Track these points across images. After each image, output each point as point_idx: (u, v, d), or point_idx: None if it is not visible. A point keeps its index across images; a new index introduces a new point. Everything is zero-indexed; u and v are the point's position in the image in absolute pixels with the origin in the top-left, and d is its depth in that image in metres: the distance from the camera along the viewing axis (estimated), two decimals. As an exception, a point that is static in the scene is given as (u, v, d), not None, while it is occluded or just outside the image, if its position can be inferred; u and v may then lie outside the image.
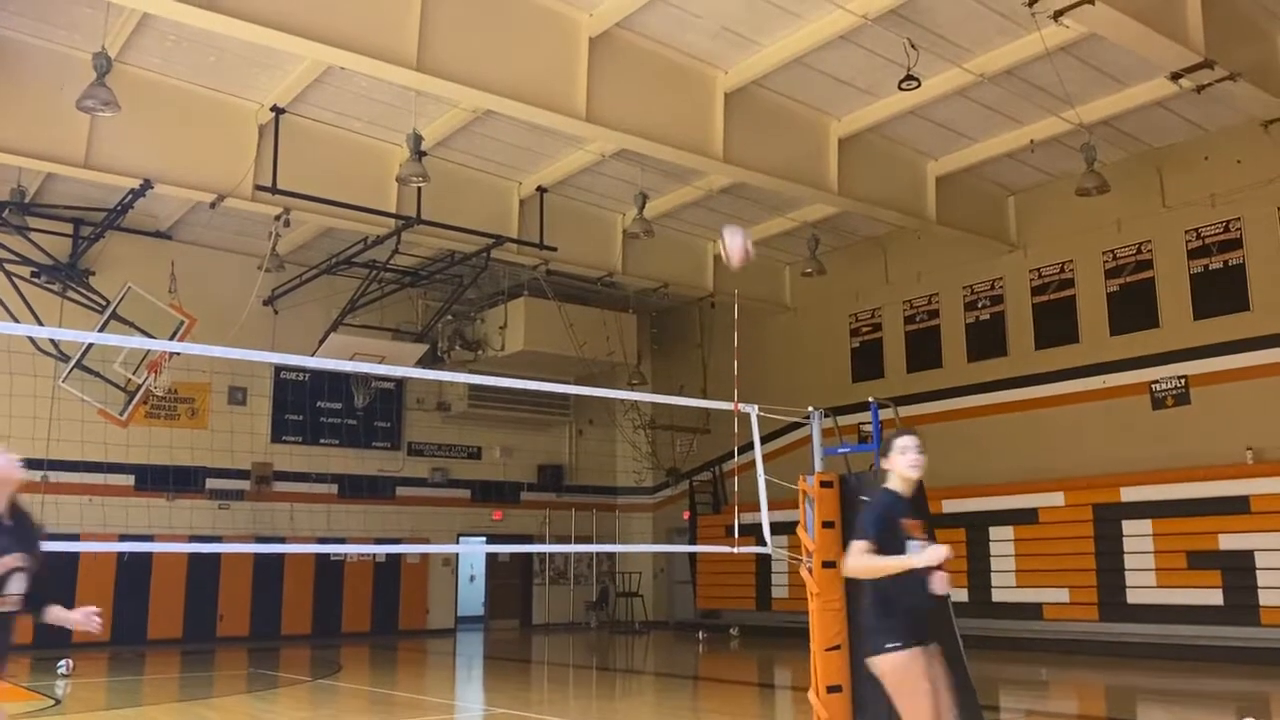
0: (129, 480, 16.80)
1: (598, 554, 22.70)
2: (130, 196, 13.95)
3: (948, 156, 15.22)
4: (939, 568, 4.42)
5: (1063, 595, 14.92)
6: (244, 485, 18.21)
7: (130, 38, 11.60)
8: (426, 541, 19.58)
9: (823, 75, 12.80)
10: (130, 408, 16.40)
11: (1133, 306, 15.23)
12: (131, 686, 12.20)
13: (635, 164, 14.76)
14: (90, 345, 15.55)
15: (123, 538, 15.67)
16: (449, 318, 19.02)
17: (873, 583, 4.58)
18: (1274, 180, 13.79)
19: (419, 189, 14.07)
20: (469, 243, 15.95)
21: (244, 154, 13.45)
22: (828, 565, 7.46)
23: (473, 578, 22.77)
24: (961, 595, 15.38)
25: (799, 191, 14.48)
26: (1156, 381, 14.86)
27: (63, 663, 12.15)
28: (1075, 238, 15.91)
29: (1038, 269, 16.49)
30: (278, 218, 14.40)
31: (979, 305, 17.26)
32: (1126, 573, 14.39)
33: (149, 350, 15.95)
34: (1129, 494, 14.55)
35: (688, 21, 11.67)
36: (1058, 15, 9.98)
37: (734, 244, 6.83)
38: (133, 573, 16.53)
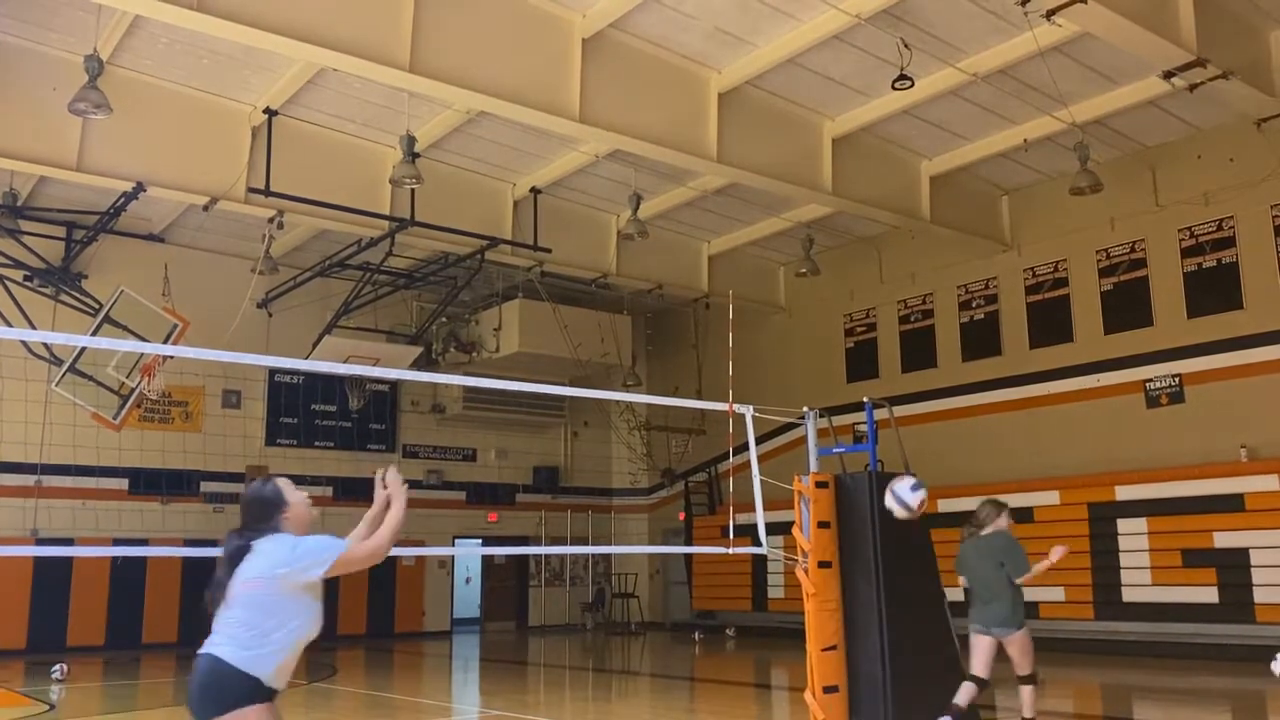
0: (123, 484, 16.78)
1: (593, 555, 22.68)
2: (123, 199, 13.90)
3: (941, 156, 15.22)
4: None
5: (1058, 594, 14.91)
6: (238, 489, 18.13)
7: (122, 40, 11.56)
8: (422, 544, 19.52)
9: (816, 75, 12.80)
10: (124, 411, 16.34)
11: (1126, 305, 15.26)
12: (126, 691, 12.16)
13: (629, 165, 14.76)
14: (83, 349, 15.50)
15: (116, 542, 15.59)
16: (443, 320, 18.99)
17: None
18: (1267, 178, 13.81)
19: (412, 191, 14.06)
20: (463, 244, 15.93)
21: (237, 156, 13.43)
22: (823, 565, 7.47)
23: (468, 580, 22.73)
24: (957, 595, 15.36)
25: (793, 192, 14.49)
26: (1150, 380, 14.88)
27: (57, 667, 12.11)
28: (1069, 237, 15.93)
29: (1032, 268, 16.50)
30: (271, 220, 14.39)
31: (973, 305, 17.28)
32: (1122, 571, 14.41)
33: (142, 354, 15.91)
34: (1124, 492, 14.56)
35: (681, 22, 11.66)
36: (1050, 14, 10.02)
37: None
38: (127, 577, 16.49)
